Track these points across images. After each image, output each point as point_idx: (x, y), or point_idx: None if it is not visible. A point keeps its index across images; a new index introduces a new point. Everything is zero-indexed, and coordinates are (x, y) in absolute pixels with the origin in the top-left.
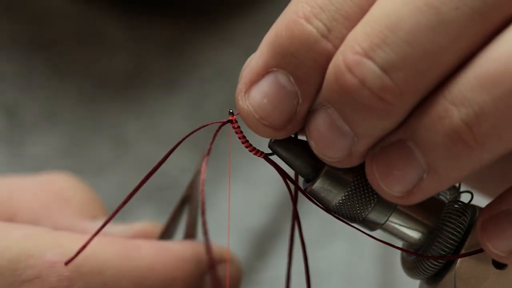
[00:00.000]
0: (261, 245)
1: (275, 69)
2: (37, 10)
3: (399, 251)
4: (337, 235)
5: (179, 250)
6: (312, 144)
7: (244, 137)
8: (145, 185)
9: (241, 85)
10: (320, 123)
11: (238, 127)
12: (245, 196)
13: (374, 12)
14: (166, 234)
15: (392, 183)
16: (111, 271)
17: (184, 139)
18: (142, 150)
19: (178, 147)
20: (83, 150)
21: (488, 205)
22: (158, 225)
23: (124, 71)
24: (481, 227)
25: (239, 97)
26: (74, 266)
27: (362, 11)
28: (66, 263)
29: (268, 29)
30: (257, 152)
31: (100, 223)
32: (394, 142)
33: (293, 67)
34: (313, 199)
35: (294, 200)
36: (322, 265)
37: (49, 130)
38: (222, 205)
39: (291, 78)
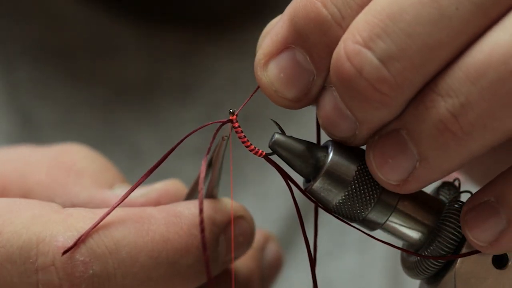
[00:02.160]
0: None
1: (293, 46)
2: (52, 18)
3: None
4: (348, 246)
5: (191, 216)
6: (320, 121)
7: (245, 136)
8: None
9: (260, 56)
10: (327, 103)
11: (239, 126)
12: (256, 208)
13: (377, 1)
14: (190, 195)
15: (387, 172)
16: (126, 248)
17: (184, 139)
18: (155, 159)
19: (192, 157)
20: None
21: (470, 197)
22: (178, 183)
23: (138, 79)
24: (463, 218)
25: (258, 68)
26: (89, 249)
27: None
28: (76, 243)
29: None
30: (258, 152)
31: (119, 190)
32: (390, 131)
33: (308, 47)
34: (313, 199)
35: (296, 205)
36: (332, 276)
37: (63, 137)
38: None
39: (307, 57)
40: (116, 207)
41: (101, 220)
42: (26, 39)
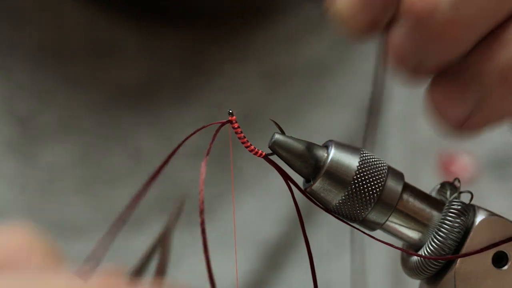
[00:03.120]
0: (274, 258)
1: None
2: (51, 20)
3: None
4: (349, 247)
5: None
6: (389, 52)
7: (244, 137)
8: (158, 196)
9: None
10: (396, 35)
11: (238, 127)
12: (258, 208)
13: None
14: (137, 273)
15: (445, 111)
16: None
17: (181, 143)
18: (156, 161)
19: (193, 158)
20: (97, 161)
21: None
22: (121, 270)
23: (138, 81)
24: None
25: None
26: None
27: None
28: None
29: (282, 42)
30: (257, 152)
31: (63, 275)
32: (454, 71)
33: None
34: (313, 199)
35: (296, 205)
36: (333, 277)
37: (62, 140)
38: (234, 218)
39: None
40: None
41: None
42: (24, 41)
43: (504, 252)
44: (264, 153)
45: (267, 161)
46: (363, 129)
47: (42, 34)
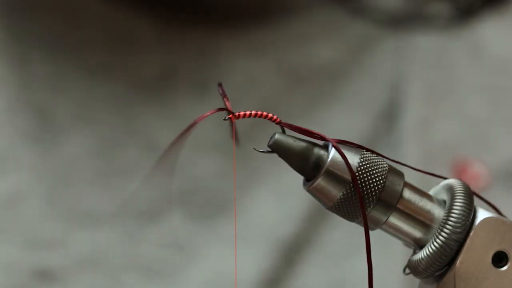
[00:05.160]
0: (290, 255)
1: None
2: (69, 11)
3: None
4: (364, 247)
5: None
6: None
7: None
8: (175, 189)
9: None
10: None
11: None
12: (275, 205)
13: None
14: None
15: None
16: None
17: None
18: (172, 155)
19: (207, 151)
20: (113, 153)
21: None
22: None
23: (155, 73)
24: None
25: None
26: None
27: None
28: None
29: (298, 41)
30: (275, 119)
31: None
32: None
33: None
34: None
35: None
36: (348, 277)
37: (80, 131)
38: (251, 211)
39: None
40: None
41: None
42: (42, 33)
43: (504, 252)
44: (279, 119)
45: (283, 126)
46: (376, 132)
47: (59, 25)
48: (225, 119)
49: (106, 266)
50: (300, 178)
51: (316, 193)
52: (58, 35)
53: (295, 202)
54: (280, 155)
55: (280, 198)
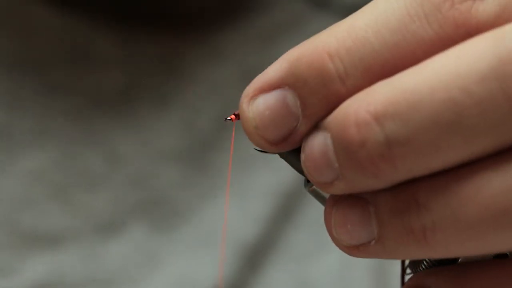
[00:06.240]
0: (254, 258)
1: (287, 87)
2: (25, 25)
3: (393, 261)
4: (330, 247)
5: None
6: (303, 159)
7: None
8: (137, 199)
9: (249, 89)
10: (317, 146)
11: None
12: (237, 209)
13: (404, 80)
14: None
15: (342, 234)
16: None
17: None
18: (134, 166)
19: (171, 162)
20: (75, 166)
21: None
22: None
23: (116, 86)
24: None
25: (244, 100)
26: None
27: (385, 69)
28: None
29: (261, 41)
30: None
31: None
32: (360, 199)
33: (303, 93)
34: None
35: None
36: (314, 277)
37: (39, 146)
38: (215, 219)
39: (298, 102)
40: None
41: None
42: None
43: (504, 252)
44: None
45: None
46: None
47: (15, 40)
48: (226, 119)
49: (65, 286)
50: (262, 180)
51: (317, 194)
52: (14, 49)
53: (258, 205)
54: (281, 156)
55: (242, 202)
